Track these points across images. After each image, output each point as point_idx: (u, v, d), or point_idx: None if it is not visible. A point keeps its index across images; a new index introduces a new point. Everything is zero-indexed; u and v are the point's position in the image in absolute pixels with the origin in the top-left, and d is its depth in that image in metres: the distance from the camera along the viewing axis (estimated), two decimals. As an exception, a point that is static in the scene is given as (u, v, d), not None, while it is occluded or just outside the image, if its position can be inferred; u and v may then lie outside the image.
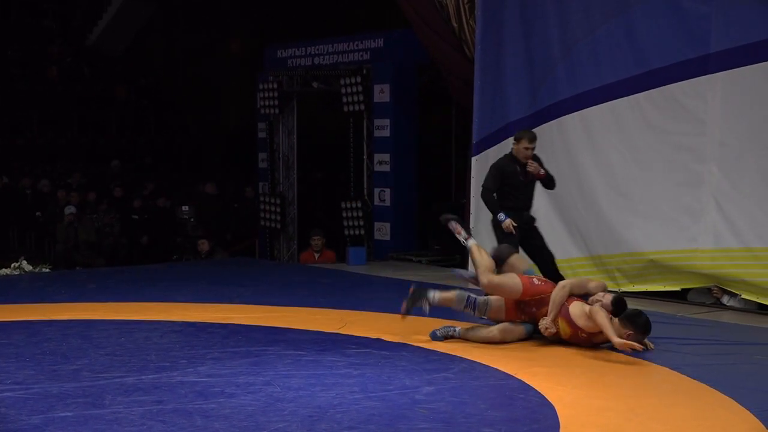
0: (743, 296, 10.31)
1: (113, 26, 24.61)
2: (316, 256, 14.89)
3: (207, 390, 6.58)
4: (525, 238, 9.93)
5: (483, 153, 12.74)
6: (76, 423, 5.81)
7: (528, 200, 10.04)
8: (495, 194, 9.99)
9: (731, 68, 10.29)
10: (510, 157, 10.02)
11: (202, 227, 17.15)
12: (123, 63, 24.93)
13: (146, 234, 17.36)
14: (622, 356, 7.67)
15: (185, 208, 17.61)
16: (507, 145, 12.26)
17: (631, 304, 10.21)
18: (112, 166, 20.70)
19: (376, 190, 15.95)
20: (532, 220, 10.09)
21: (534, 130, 11.87)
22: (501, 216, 9.83)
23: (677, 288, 10.85)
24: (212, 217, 17.97)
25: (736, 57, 10.24)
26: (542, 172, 9.84)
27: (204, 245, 15.44)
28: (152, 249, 17.24)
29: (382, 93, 15.67)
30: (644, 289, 11.04)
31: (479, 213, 12.79)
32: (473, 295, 8.39)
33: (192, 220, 17.47)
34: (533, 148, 9.84)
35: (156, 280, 12.17)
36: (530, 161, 9.76)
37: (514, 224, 9.76)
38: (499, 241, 9.81)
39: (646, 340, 7.86)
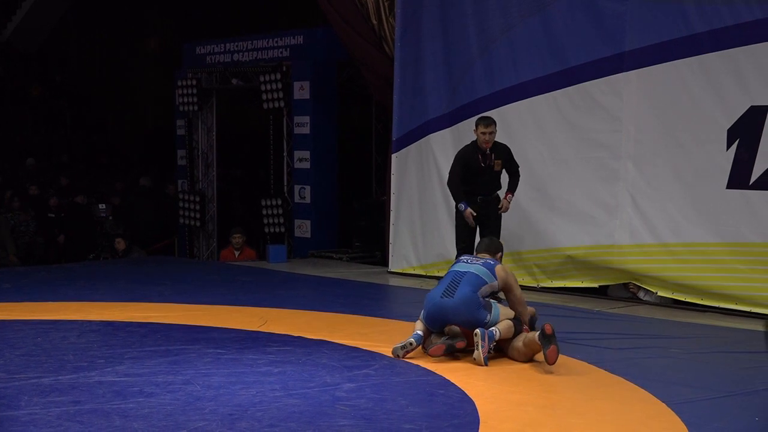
0: (659, 294, 10.45)
1: (27, 22, 24.24)
2: (237, 254, 14.80)
3: (125, 389, 6.52)
4: (482, 222, 10.44)
5: (403, 150, 12.78)
6: (-9, 425, 5.72)
7: (486, 186, 10.43)
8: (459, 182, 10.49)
9: (645, 66, 10.45)
10: (473, 144, 10.42)
11: (121, 225, 16.97)
12: (38, 60, 24.55)
13: (63, 232, 17.11)
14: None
15: (102, 206, 17.39)
16: (427, 143, 12.40)
17: (550, 300, 10.40)
18: (26, 164, 20.37)
19: (296, 188, 15.90)
20: (490, 204, 10.44)
21: (453, 127, 12.08)
22: (461, 206, 10.36)
23: (595, 285, 10.97)
24: (127, 214, 17.78)
25: (650, 55, 10.40)
26: (508, 207, 10.51)
27: (120, 244, 15.27)
28: (69, 248, 16.99)
29: (302, 90, 15.62)
30: (562, 285, 11.16)
31: (399, 210, 12.85)
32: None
33: (110, 218, 17.27)
34: (490, 132, 10.24)
35: (73, 280, 12.01)
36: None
37: (474, 213, 10.28)
38: (458, 228, 10.47)
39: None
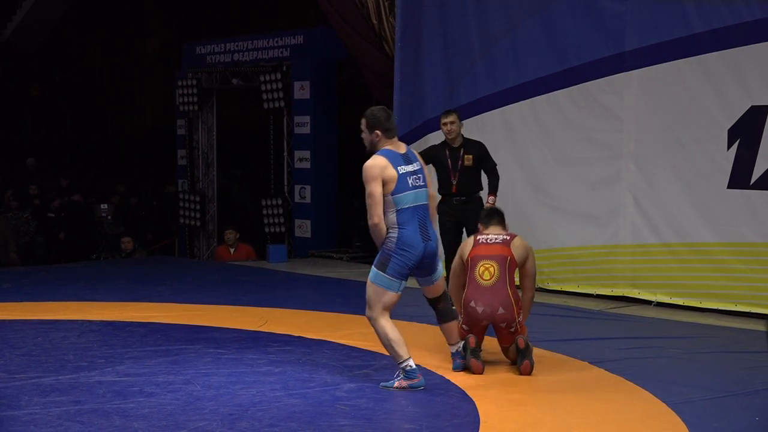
0: (657, 300, 10.38)
1: (27, 22, 24.24)
2: (231, 251, 14.80)
3: (126, 389, 6.51)
4: (463, 225, 9.90)
5: (403, 150, 12.75)
6: (-9, 425, 5.71)
7: (461, 186, 9.89)
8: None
9: (646, 66, 10.44)
10: (444, 142, 10.04)
11: (120, 225, 16.98)
12: (38, 60, 24.56)
13: (63, 231, 17.10)
14: (542, 352, 7.74)
15: (103, 206, 17.40)
16: (426, 142, 12.34)
17: (551, 300, 10.37)
18: (27, 164, 20.38)
19: (297, 188, 15.90)
20: (469, 204, 9.86)
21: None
22: None
23: (592, 292, 10.90)
24: (128, 215, 17.79)
25: (650, 55, 10.39)
26: (493, 202, 9.69)
27: (129, 243, 15.27)
28: (69, 247, 17.00)
29: (302, 90, 15.62)
30: (559, 288, 11.12)
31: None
32: None
33: (109, 218, 17.27)
34: (451, 122, 9.80)
35: (73, 279, 12.00)
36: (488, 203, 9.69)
37: None
38: (441, 236, 9.65)
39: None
